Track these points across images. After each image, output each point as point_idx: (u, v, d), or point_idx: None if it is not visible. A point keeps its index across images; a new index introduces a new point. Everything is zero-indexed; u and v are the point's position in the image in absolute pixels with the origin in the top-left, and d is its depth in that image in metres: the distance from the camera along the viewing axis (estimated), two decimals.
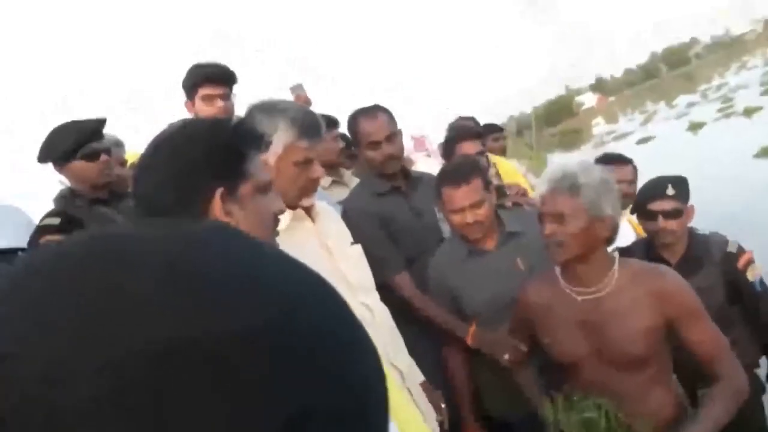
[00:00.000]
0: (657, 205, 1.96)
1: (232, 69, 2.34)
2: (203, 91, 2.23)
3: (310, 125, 1.48)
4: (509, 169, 2.97)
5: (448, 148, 2.57)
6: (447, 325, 1.95)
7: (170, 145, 0.95)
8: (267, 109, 1.47)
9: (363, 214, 2.09)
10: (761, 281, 1.96)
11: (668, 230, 1.95)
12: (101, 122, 2.07)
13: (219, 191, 0.92)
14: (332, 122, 2.69)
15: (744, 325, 1.96)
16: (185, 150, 0.93)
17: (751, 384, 1.90)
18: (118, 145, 2.40)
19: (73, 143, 1.99)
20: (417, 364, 1.71)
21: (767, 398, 2.00)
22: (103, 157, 2.04)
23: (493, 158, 2.83)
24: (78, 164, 2.01)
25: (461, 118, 3.40)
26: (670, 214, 1.95)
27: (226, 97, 2.27)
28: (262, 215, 0.99)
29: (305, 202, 1.52)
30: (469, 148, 2.43)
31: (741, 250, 1.94)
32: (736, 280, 1.93)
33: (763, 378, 2.02)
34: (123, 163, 2.38)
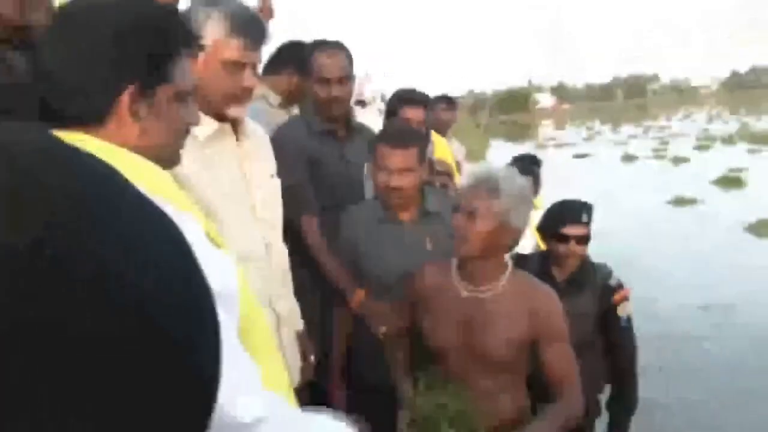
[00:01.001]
0: (571, 230, 2.05)
1: None
2: None
3: (250, 25, 1.36)
4: (441, 146, 2.98)
5: (391, 110, 2.53)
6: (338, 282, 1.95)
7: (83, 20, 0.80)
8: (207, 0, 1.35)
9: (292, 147, 2.02)
10: (628, 319, 2.12)
11: (577, 254, 2.06)
12: None
13: (129, 89, 0.81)
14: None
15: (601, 353, 2.13)
16: (99, 32, 0.79)
17: (593, 407, 2.10)
18: None
19: None
20: (302, 309, 1.70)
21: (600, 422, 2.19)
22: None
23: (435, 137, 2.84)
24: None
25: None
26: (581, 240, 2.06)
27: None
28: (173, 125, 0.89)
29: (233, 112, 1.41)
30: (411, 113, 2.40)
31: (620, 286, 2.09)
32: (608, 311, 2.07)
33: (602, 404, 2.21)
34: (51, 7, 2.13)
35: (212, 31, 1.33)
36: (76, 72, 0.79)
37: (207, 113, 1.38)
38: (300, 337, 1.67)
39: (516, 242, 1.58)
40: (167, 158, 0.90)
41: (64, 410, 0.22)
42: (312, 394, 1.87)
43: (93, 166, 0.28)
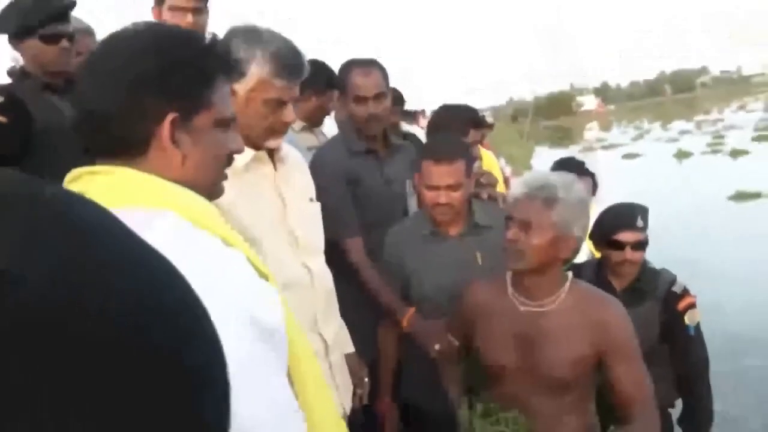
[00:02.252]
0: (625, 236, 1.95)
1: None
2: (172, 1, 1.99)
3: (292, 65, 1.36)
4: (488, 159, 2.92)
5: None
6: (387, 302, 1.91)
7: (128, 48, 0.81)
8: (249, 35, 1.34)
9: (332, 169, 2.01)
10: (697, 326, 1.99)
11: (633, 261, 1.95)
12: (70, 4, 1.88)
13: (171, 116, 0.80)
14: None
15: (668, 364, 2.00)
16: (142, 58, 0.79)
17: (663, 424, 1.96)
18: (89, 33, 2.20)
19: (33, 20, 1.80)
20: (350, 331, 1.67)
21: None
22: (64, 42, 1.85)
23: (484, 152, 2.80)
24: (35, 44, 1.82)
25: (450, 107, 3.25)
26: (637, 246, 1.96)
27: (198, 11, 2.02)
28: (215, 153, 0.87)
29: (271, 144, 1.42)
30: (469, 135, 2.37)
31: (686, 292, 1.97)
32: (673, 320, 1.95)
33: (674, 419, 2.08)
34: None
35: (256, 70, 1.33)
36: (116, 103, 0.79)
37: (244, 142, 1.38)
38: (350, 359, 1.64)
39: (576, 253, 1.49)
40: (210, 187, 0.89)
41: (64, 410, 0.23)
42: (367, 417, 1.83)
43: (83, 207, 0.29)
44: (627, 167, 15.58)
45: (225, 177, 0.92)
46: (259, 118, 1.36)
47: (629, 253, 1.95)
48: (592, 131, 40.39)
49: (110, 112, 0.79)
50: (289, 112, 1.38)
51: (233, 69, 0.91)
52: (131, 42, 0.82)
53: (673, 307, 1.95)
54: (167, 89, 0.80)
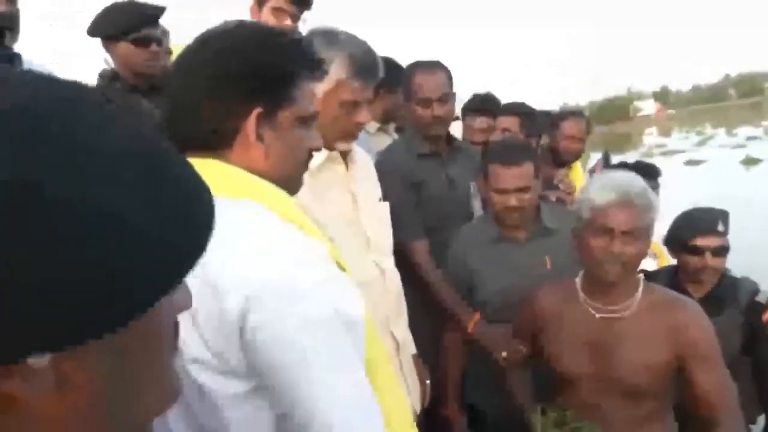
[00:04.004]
0: (705, 241, 1.87)
1: None
2: (276, 2, 2.07)
3: (369, 66, 1.38)
4: (579, 176, 2.83)
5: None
6: (452, 306, 1.89)
7: (218, 45, 0.84)
8: (327, 37, 1.37)
9: (396, 172, 2.01)
10: None
11: (714, 268, 1.86)
12: (161, 9, 1.97)
13: (257, 110, 0.83)
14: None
15: (750, 378, 1.89)
16: (232, 55, 0.83)
17: None
18: (165, 35, 2.31)
19: (126, 24, 1.89)
20: (413, 334, 1.67)
21: None
22: (154, 46, 1.94)
23: (575, 166, 2.77)
24: (126, 47, 1.92)
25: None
26: (718, 252, 1.86)
27: (296, 18, 2.11)
28: (296, 148, 0.90)
29: (343, 146, 1.44)
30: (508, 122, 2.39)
31: None
32: (757, 331, 1.85)
33: None
34: (169, 53, 2.29)
35: (334, 71, 1.36)
36: (204, 98, 0.82)
37: None
38: (416, 361, 1.63)
39: (645, 255, 1.43)
40: (290, 182, 0.91)
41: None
42: (428, 421, 1.81)
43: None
44: (690, 174, 14.93)
45: (304, 170, 0.94)
46: (334, 119, 1.38)
47: (710, 259, 1.85)
48: (650, 137, 39.01)
49: (198, 106, 0.83)
50: (363, 113, 1.40)
51: (317, 67, 0.92)
52: (221, 39, 0.85)
53: (756, 317, 1.84)
54: (253, 85, 0.83)
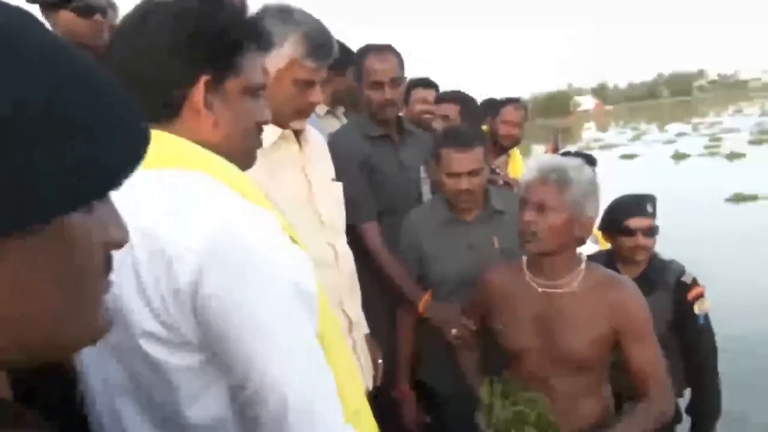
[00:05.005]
0: (636, 222, 1.97)
1: None
2: None
3: (323, 45, 1.37)
4: (518, 164, 2.91)
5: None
6: (403, 287, 1.92)
7: (160, 13, 0.83)
8: (282, 14, 1.36)
9: (348, 154, 2.01)
10: (705, 316, 2.00)
11: (645, 247, 1.97)
12: None
13: (204, 78, 0.82)
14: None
15: (678, 354, 2.01)
16: (176, 23, 0.82)
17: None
18: (112, 8, 2.21)
19: None
20: (366, 313, 1.69)
21: (681, 428, 2.07)
22: (98, 16, 1.85)
23: (513, 151, 2.84)
24: (68, 16, 1.82)
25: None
26: (648, 232, 1.97)
27: None
28: (244, 119, 0.89)
29: (296, 125, 1.43)
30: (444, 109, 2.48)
31: (695, 283, 1.98)
32: (683, 309, 1.97)
33: (682, 409, 2.09)
34: (113, 27, 2.19)
35: (288, 49, 1.34)
36: (150, 67, 0.81)
37: (271, 122, 1.39)
38: (368, 341, 1.65)
39: (589, 233, 1.51)
40: (242, 155, 0.90)
41: None
42: (379, 399, 1.84)
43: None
44: (624, 168, 15.61)
45: (259, 145, 0.94)
46: (288, 98, 1.37)
47: (641, 239, 1.96)
48: (589, 131, 40.47)
49: (144, 77, 0.81)
50: (316, 93, 1.39)
51: (263, 39, 0.91)
52: (164, 9, 0.83)
53: (683, 296, 1.96)
54: (200, 53, 0.82)
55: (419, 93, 2.74)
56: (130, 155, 0.41)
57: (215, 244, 0.71)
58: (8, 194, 0.34)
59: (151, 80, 0.81)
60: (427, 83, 2.80)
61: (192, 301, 0.71)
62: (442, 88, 2.85)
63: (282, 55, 1.34)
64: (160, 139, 0.80)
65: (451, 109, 2.62)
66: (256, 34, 0.89)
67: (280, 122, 1.40)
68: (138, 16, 0.84)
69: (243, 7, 0.88)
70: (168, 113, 0.83)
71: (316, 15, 1.40)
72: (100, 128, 0.39)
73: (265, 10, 1.36)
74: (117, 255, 0.44)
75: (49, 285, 0.39)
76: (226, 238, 0.72)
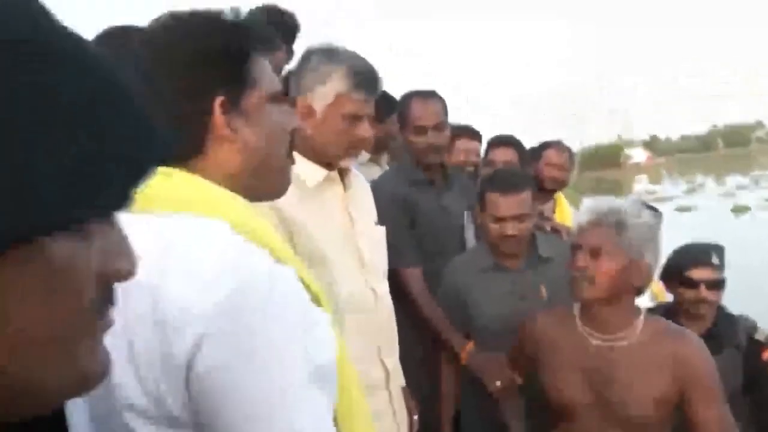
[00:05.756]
0: (699, 273, 1.85)
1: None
2: None
3: (369, 78, 1.38)
4: (565, 211, 2.81)
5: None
6: (444, 335, 1.86)
7: (154, 47, 0.76)
8: (326, 53, 1.38)
9: (390, 198, 2.00)
10: None
11: (709, 300, 1.84)
12: None
13: (218, 100, 0.74)
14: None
15: (749, 418, 1.84)
16: (173, 52, 0.74)
17: None
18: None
19: None
20: (403, 362, 1.61)
21: None
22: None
23: (559, 196, 2.76)
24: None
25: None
26: (712, 284, 1.84)
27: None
28: (276, 131, 0.80)
29: (345, 162, 1.42)
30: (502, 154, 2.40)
31: None
32: (756, 369, 1.81)
33: None
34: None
35: (335, 85, 1.36)
36: (159, 105, 0.73)
37: (317, 162, 1.39)
38: (404, 393, 1.57)
39: (648, 282, 1.42)
40: (276, 177, 0.83)
41: None
42: None
43: None
44: (681, 221, 15.05)
45: (293, 162, 0.85)
46: (338, 135, 1.37)
47: (704, 292, 1.83)
48: (641, 184, 39.54)
49: (156, 116, 0.74)
50: (366, 128, 1.40)
51: (267, 41, 0.84)
52: (157, 36, 0.77)
53: (756, 355, 1.80)
54: (206, 74, 0.75)
55: (463, 143, 2.69)
56: (138, 165, 0.38)
57: (221, 311, 0.62)
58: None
59: (164, 119, 0.74)
60: (472, 133, 2.76)
61: (186, 373, 0.62)
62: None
63: (328, 91, 1.35)
64: (181, 181, 0.73)
65: (510, 154, 2.57)
66: (260, 38, 0.81)
67: (331, 159, 1.41)
68: (133, 56, 0.77)
69: (237, 15, 0.80)
70: (191, 151, 0.75)
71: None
72: (103, 129, 0.35)
73: (310, 51, 1.39)
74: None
75: (29, 318, 0.33)
76: (236, 305, 0.63)
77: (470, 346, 1.80)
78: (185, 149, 0.75)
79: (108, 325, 0.40)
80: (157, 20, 0.79)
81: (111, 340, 0.60)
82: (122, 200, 0.37)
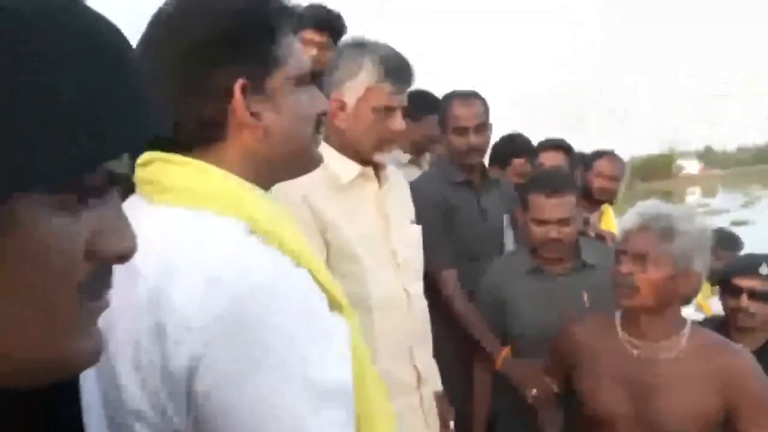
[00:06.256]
0: (744, 281, 1.76)
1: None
2: (307, 35, 2.11)
3: (400, 69, 1.35)
4: (611, 222, 2.72)
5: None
6: (481, 339, 1.82)
7: (171, 21, 0.70)
8: (356, 44, 1.37)
9: (428, 198, 1.97)
10: None
11: (750, 312, 1.74)
12: None
13: (239, 83, 0.68)
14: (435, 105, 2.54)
15: None
16: (189, 27, 0.69)
17: None
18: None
19: None
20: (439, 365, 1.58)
21: None
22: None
23: (606, 207, 2.68)
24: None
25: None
26: (757, 295, 1.74)
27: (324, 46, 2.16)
28: (302, 115, 0.74)
29: (379, 157, 1.39)
30: (551, 158, 2.32)
31: None
32: None
33: None
34: None
35: (364, 77, 1.34)
36: (175, 84, 0.68)
37: (352, 157, 1.38)
38: (439, 399, 1.53)
39: (696, 291, 1.34)
40: (303, 160, 0.78)
41: None
42: None
43: None
44: (738, 234, 14.39)
45: (318, 143, 0.80)
46: (369, 128, 1.35)
47: (745, 301, 1.74)
48: (694, 196, 38.11)
49: (171, 97, 0.68)
50: (398, 121, 1.37)
51: (294, 17, 0.75)
52: (174, 13, 0.71)
53: None
54: (227, 54, 0.68)
55: (546, 157, 2.56)
56: (133, 134, 0.37)
57: (222, 327, 0.58)
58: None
59: (178, 101, 0.68)
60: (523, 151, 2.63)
61: (187, 387, 0.59)
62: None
63: (359, 83, 1.33)
64: (198, 171, 0.68)
65: (559, 158, 2.50)
66: (287, 14, 0.74)
67: (364, 154, 1.38)
68: (146, 34, 0.72)
69: None
70: (212, 137, 0.70)
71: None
72: (103, 129, 0.35)
73: (341, 45, 1.38)
74: (121, 323, 0.37)
75: (12, 298, 0.33)
76: (237, 318, 0.58)
77: (506, 351, 1.76)
78: (205, 136, 0.70)
79: (103, 307, 0.39)
80: None
81: (119, 336, 0.60)
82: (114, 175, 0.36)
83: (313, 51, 2.14)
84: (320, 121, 0.79)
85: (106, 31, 0.37)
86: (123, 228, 0.38)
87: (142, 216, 0.60)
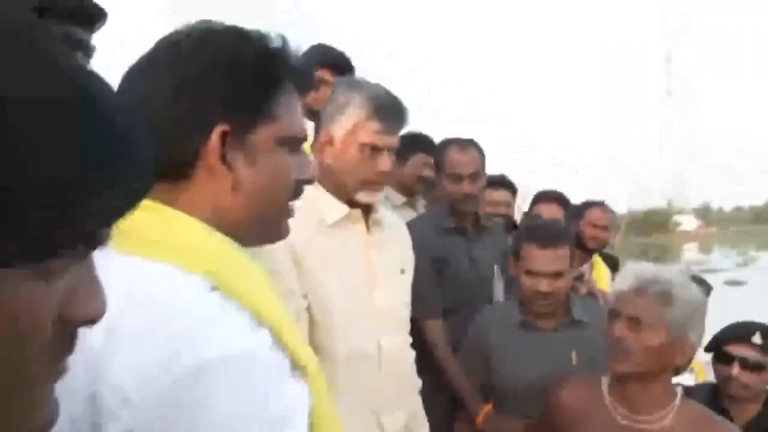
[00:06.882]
0: (736, 350, 1.71)
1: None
2: (320, 74, 2.11)
3: (389, 109, 1.32)
4: (602, 274, 2.69)
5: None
6: (462, 394, 1.76)
7: (174, 50, 0.68)
8: (349, 82, 1.36)
9: (419, 246, 1.93)
10: None
11: (741, 382, 1.68)
12: None
13: (219, 128, 0.65)
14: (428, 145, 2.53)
15: None
16: (189, 59, 0.66)
17: None
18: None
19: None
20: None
21: None
22: None
23: (596, 258, 2.65)
24: None
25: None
26: (748, 365, 1.68)
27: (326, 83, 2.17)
28: (277, 178, 0.69)
29: (363, 197, 1.35)
30: (548, 210, 2.29)
31: None
32: None
33: None
34: None
35: (352, 113, 1.32)
36: (159, 113, 0.65)
37: (339, 197, 1.34)
38: None
39: (689, 363, 1.29)
40: (267, 225, 0.72)
41: None
42: None
43: None
44: (730, 295, 14.33)
45: (290, 214, 0.74)
46: (354, 165, 1.32)
47: (736, 370, 1.67)
48: (690, 252, 38.17)
49: (156, 118, 0.64)
50: (385, 161, 1.33)
51: (303, 77, 0.73)
52: (181, 43, 0.68)
53: None
54: (217, 95, 0.66)
55: (491, 195, 2.59)
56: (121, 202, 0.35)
57: (164, 401, 0.54)
58: None
59: (160, 127, 0.63)
60: (501, 183, 2.65)
61: None
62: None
63: (347, 118, 1.31)
64: (163, 218, 0.65)
65: (556, 211, 2.48)
66: (294, 72, 0.70)
67: (346, 193, 1.34)
68: (151, 52, 0.69)
69: (280, 40, 0.70)
70: (176, 173, 0.66)
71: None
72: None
73: (337, 82, 1.37)
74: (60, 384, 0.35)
75: None
76: (183, 397, 0.54)
77: (488, 408, 1.69)
78: (174, 170, 0.66)
79: (62, 372, 0.36)
80: (196, 23, 0.70)
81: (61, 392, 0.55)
82: (98, 238, 0.34)
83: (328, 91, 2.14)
84: (300, 190, 0.74)
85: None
86: (95, 290, 0.36)
87: (100, 264, 0.56)
